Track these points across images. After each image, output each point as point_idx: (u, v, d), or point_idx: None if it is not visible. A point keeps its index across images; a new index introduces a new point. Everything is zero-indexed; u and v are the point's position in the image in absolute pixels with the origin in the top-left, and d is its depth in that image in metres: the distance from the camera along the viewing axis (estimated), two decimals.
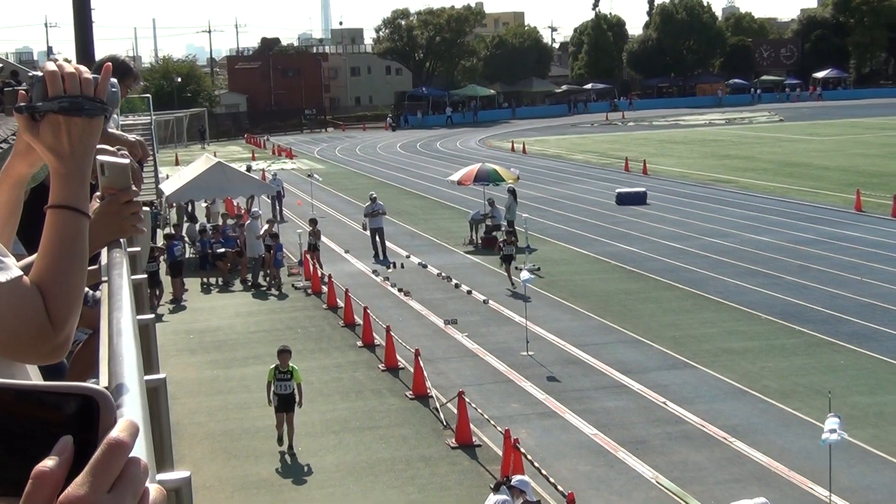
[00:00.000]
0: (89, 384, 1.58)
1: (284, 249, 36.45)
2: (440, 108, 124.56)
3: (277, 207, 47.21)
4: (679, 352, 23.67)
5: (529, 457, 15.95)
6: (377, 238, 37.56)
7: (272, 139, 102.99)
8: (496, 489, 12.66)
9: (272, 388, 18.70)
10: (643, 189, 51.14)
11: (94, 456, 1.43)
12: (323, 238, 36.46)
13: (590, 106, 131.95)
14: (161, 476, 2.16)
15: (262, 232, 34.44)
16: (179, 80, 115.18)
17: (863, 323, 25.85)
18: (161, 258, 31.99)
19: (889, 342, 23.96)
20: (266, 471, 17.65)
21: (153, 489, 1.50)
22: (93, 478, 1.41)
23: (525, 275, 24.01)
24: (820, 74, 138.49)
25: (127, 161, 3.25)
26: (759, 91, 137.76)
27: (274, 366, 18.79)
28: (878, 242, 37.06)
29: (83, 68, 2.57)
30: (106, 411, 1.50)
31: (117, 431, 1.46)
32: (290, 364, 18.72)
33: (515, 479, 12.79)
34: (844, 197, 47.82)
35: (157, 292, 31.02)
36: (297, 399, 18.71)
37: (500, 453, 16.97)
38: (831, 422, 13.99)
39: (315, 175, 51.44)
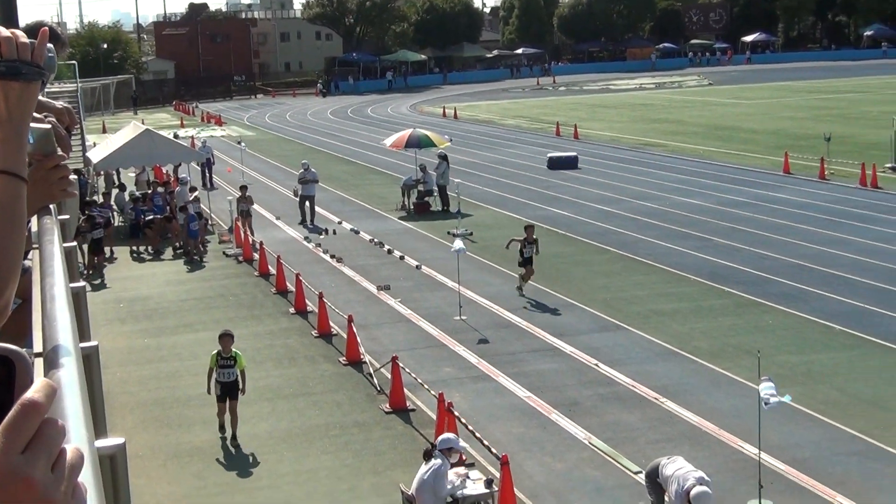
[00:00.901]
0: (5, 344, 1.57)
1: (215, 216, 36.25)
2: (371, 73, 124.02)
3: (207, 175, 46.81)
4: (610, 314, 23.87)
5: (463, 420, 16.04)
6: (307, 204, 37.40)
7: (201, 106, 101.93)
8: (427, 456, 12.70)
9: (213, 376, 17.43)
10: (574, 153, 51.35)
11: (7, 416, 1.41)
12: (254, 205, 36.22)
13: (529, 70, 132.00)
14: (96, 443, 2.16)
15: (190, 199, 34.15)
16: (105, 46, 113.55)
17: (790, 283, 26.23)
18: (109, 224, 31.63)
19: (816, 302, 24.35)
20: (199, 439, 17.58)
21: (70, 450, 1.48)
22: (4, 438, 1.39)
23: (458, 244, 24.00)
24: (748, 38, 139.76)
25: (49, 126, 3.20)
26: (697, 54, 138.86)
27: (216, 352, 17.44)
28: (806, 204, 37.57)
29: (20, 32, 2.53)
30: (22, 372, 1.48)
31: (32, 392, 1.44)
32: (233, 349, 17.43)
33: (440, 440, 12.82)
34: (773, 160, 48.37)
35: (101, 258, 30.92)
36: (241, 386, 17.46)
37: (434, 417, 17.04)
38: (766, 386, 14.20)
39: (242, 142, 51.05)
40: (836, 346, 21.08)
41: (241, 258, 31.68)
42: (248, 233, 33.50)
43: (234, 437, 17.37)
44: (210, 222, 36.23)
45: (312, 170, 38.45)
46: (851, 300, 24.50)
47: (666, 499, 12.28)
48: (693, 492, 11.68)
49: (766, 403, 13.74)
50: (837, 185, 41.97)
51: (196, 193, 35.89)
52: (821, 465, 15.36)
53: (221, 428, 17.52)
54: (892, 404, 17.76)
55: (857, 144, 52.55)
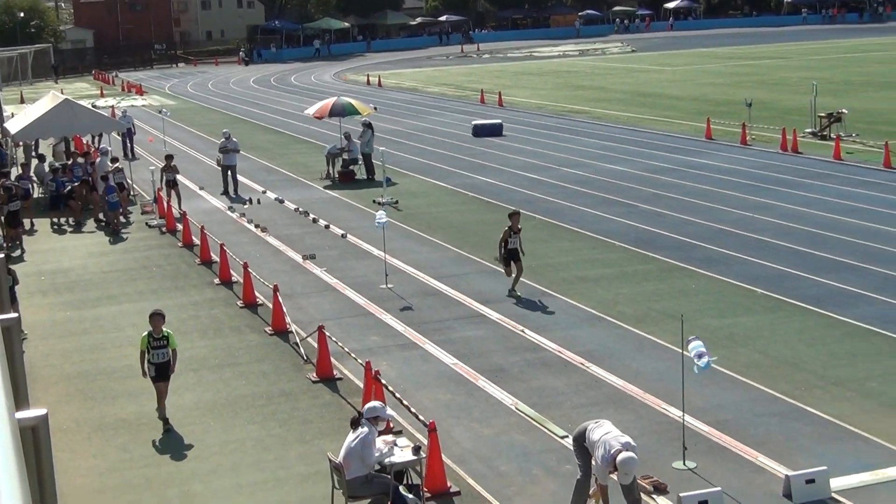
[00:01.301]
0: None
1: (137, 187, 35.83)
2: (294, 41, 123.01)
3: (128, 145, 46.24)
4: (536, 280, 23.99)
5: (390, 388, 16.06)
6: (229, 174, 37.08)
7: (121, 75, 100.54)
8: (353, 425, 12.71)
9: (146, 358, 16.55)
10: (499, 121, 51.41)
11: None
12: (179, 174, 35.82)
13: (460, 38, 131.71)
14: (18, 415, 2.13)
15: (111, 169, 33.71)
16: (22, 15, 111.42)
17: (713, 248, 26.54)
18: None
19: (738, 266, 24.66)
20: (124, 411, 17.43)
21: None
22: None
23: (380, 216, 23.84)
24: (671, 5, 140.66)
25: None
26: (620, 21, 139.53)
27: (146, 333, 16.64)
28: (728, 169, 37.99)
29: None
30: None
31: None
32: (164, 329, 16.65)
33: (366, 408, 12.82)
34: (695, 125, 48.81)
35: (19, 230, 30.51)
36: (172, 366, 16.71)
37: (362, 386, 17.04)
38: (695, 345, 14.36)
39: (164, 110, 50.46)
40: (758, 310, 21.37)
41: (164, 229, 31.37)
42: (176, 203, 33.18)
43: (165, 418, 16.67)
44: (132, 193, 35.82)
45: (234, 139, 38.15)
46: (773, 264, 24.85)
47: (593, 463, 12.41)
48: (619, 457, 11.81)
49: (697, 358, 13.88)
50: (759, 150, 42.47)
51: (117, 164, 35.43)
52: (743, 426, 15.60)
53: (165, 421, 16.68)
54: (811, 365, 18.08)
55: (777, 110, 53.20)
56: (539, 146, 45.43)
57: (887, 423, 15.54)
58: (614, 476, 12.17)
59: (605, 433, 12.25)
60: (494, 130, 49.71)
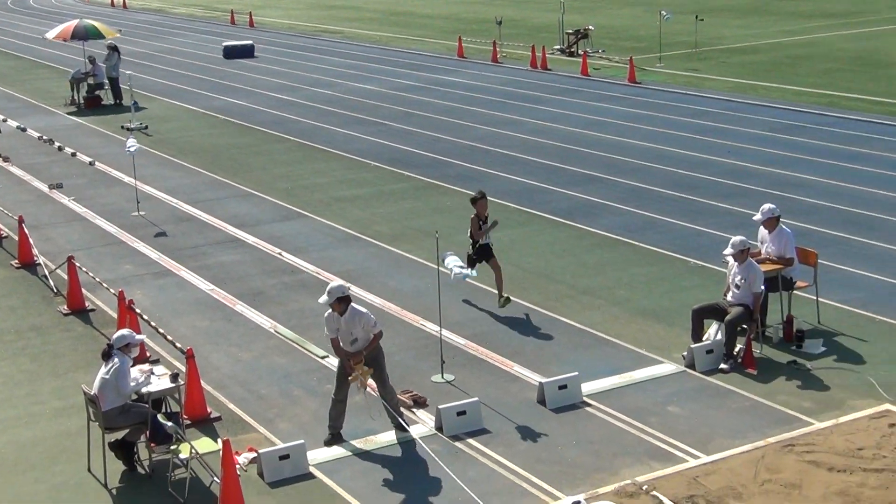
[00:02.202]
0: None
1: None
2: None
3: None
4: (292, 203, 23.85)
5: (145, 317, 15.73)
6: None
7: None
8: (105, 356, 12.37)
9: None
10: (250, 42, 50.60)
11: None
12: None
13: None
14: None
15: None
16: None
17: (466, 165, 26.93)
18: None
19: (490, 181, 25.09)
20: None
21: None
22: None
23: (131, 143, 23.00)
24: None
25: None
26: None
27: None
28: (480, 87, 38.52)
29: None
30: None
31: None
32: None
33: (115, 337, 12.50)
34: (447, 44, 49.22)
35: None
36: None
37: (116, 316, 16.63)
38: (451, 260, 14.52)
39: None
40: (510, 224, 21.82)
41: None
42: None
43: None
44: None
45: None
46: (524, 178, 25.41)
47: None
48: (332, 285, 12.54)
49: (451, 273, 14.08)
50: (509, 67, 43.19)
51: None
52: (498, 337, 15.97)
53: None
54: (562, 276, 18.63)
55: (527, 27, 54.16)
56: (291, 67, 44.96)
57: (634, 328, 16.19)
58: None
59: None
60: (245, 52, 48.92)
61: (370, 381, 12.82)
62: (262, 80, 41.61)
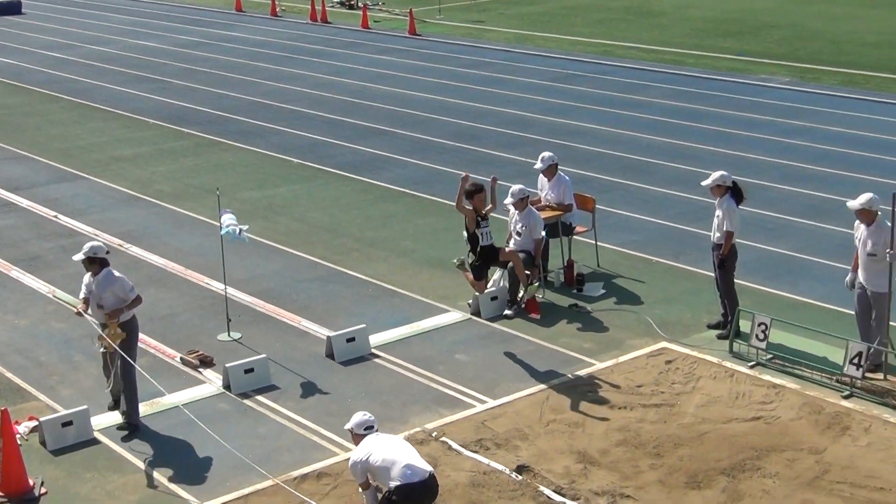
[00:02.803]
0: None
1: None
2: None
3: None
4: (68, 164, 23.10)
5: None
6: None
7: None
8: None
9: None
10: None
11: None
12: None
13: None
14: None
15: None
16: None
17: (248, 121, 26.59)
18: None
19: (273, 137, 24.87)
20: None
21: None
22: None
23: None
24: None
25: None
26: None
27: None
28: (260, 41, 38.04)
29: None
30: None
31: None
32: None
33: None
34: None
35: None
36: None
37: None
38: (227, 218, 14.25)
39: None
40: (294, 179, 21.69)
41: None
42: None
43: None
44: None
45: None
46: (307, 133, 25.26)
47: None
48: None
49: (230, 233, 13.87)
50: (289, 21, 42.79)
51: None
52: (285, 293, 15.86)
53: None
54: (347, 230, 18.61)
55: None
56: (65, 24, 43.47)
57: (419, 278, 16.32)
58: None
59: None
60: (11, 8, 46.98)
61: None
62: (34, 38, 40.09)
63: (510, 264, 14.79)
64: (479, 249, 14.09)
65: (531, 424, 11.78)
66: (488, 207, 14.30)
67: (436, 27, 40.29)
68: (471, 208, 14.09)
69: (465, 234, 13.86)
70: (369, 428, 9.64)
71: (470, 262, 13.19)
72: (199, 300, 15.68)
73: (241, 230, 13.96)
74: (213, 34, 39.80)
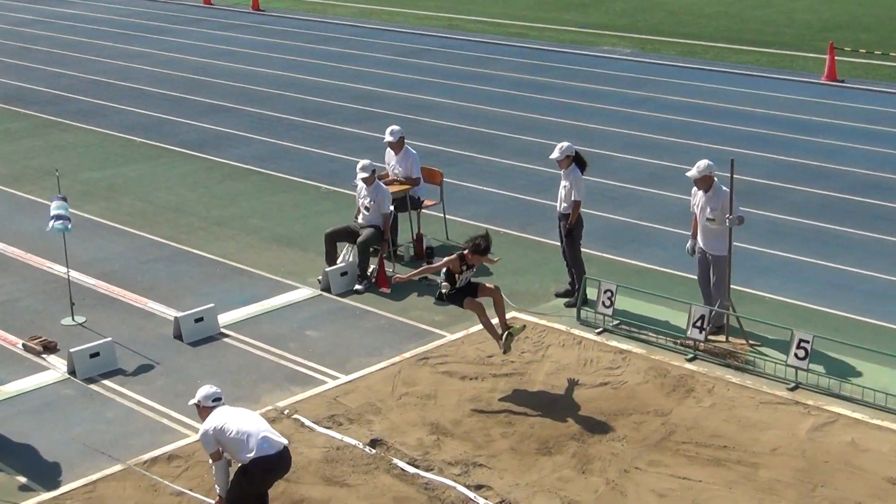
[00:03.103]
0: None
1: None
2: None
3: None
4: None
5: None
6: None
7: None
8: None
9: None
10: None
11: None
12: None
13: None
14: None
15: None
16: None
17: (89, 100, 25.98)
18: None
19: (115, 116, 24.37)
20: None
21: None
22: None
23: None
24: None
25: None
26: None
27: None
28: (99, 19, 37.19)
29: None
30: None
31: None
32: None
33: None
34: None
35: None
36: None
37: None
38: (57, 205, 13.78)
39: None
40: (138, 158, 21.28)
41: None
42: None
43: None
44: None
45: None
46: (151, 111, 24.79)
47: None
48: None
49: (55, 220, 13.43)
50: None
51: None
52: (130, 274, 15.55)
53: None
54: (194, 209, 18.33)
55: None
56: None
57: (268, 256, 16.17)
58: None
59: None
60: None
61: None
62: None
63: (359, 239, 14.81)
64: (455, 285, 12.27)
65: (383, 398, 11.79)
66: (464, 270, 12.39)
67: (279, 2, 39.91)
68: (459, 255, 12.21)
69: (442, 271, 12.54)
70: (217, 400, 9.46)
71: (445, 292, 12.40)
72: (41, 285, 15.28)
73: (60, 226, 13.44)
74: (49, 11, 38.76)
